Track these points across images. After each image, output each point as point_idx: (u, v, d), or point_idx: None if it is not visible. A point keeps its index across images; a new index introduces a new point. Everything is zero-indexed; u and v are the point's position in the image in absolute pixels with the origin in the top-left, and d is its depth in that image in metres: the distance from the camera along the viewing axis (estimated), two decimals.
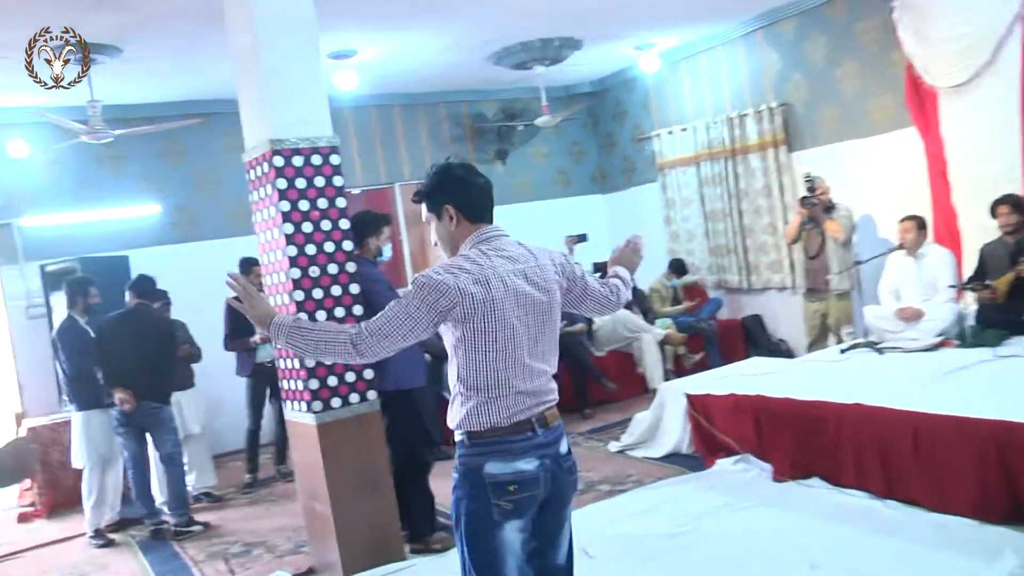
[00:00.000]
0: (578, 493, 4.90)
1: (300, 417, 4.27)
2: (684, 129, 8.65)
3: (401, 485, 4.42)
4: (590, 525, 4.31)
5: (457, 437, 2.37)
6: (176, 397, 5.73)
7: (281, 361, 4.37)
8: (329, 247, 4.23)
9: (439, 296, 2.23)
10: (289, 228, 4.13)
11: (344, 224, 4.28)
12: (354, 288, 4.28)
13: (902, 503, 4.06)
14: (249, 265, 5.99)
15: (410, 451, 4.47)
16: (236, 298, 2.45)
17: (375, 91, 8.35)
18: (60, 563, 5.17)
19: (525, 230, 8.74)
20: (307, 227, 4.18)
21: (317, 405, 4.15)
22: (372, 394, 4.28)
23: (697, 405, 5.32)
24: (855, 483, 4.33)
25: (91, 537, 5.41)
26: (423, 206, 2.47)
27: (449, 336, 2.34)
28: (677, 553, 3.89)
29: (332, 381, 4.18)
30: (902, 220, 6.05)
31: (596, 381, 7.19)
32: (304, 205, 4.18)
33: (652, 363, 7.40)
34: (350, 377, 4.22)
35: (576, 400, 7.15)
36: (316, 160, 4.22)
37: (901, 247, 6.04)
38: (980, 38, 5.91)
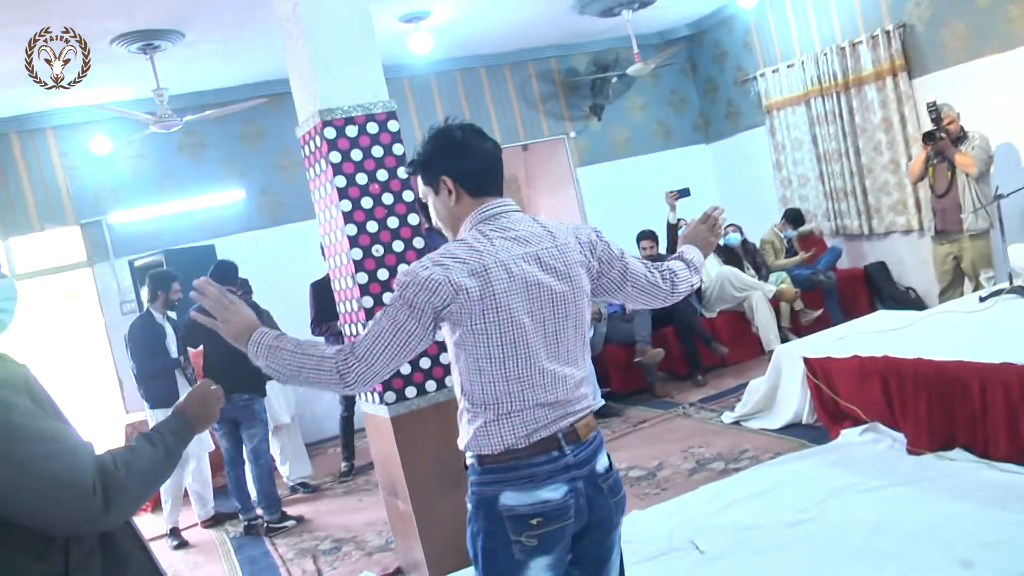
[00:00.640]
0: (689, 472, 4.56)
1: (374, 409, 3.97)
2: (790, 65, 7.88)
3: None
4: (702, 512, 3.89)
5: (467, 461, 1.98)
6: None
7: None
8: (392, 222, 3.88)
9: (429, 295, 1.82)
10: (347, 205, 3.80)
11: (408, 196, 3.92)
12: None
13: None
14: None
15: None
16: (199, 309, 2.05)
17: (457, 54, 7.99)
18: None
19: (624, 188, 8.54)
20: (366, 202, 3.84)
21: (390, 396, 3.83)
22: (450, 380, 3.93)
23: (816, 370, 4.73)
24: (1008, 454, 3.69)
25: (168, 537, 5.35)
26: (418, 179, 2.06)
27: (448, 340, 1.94)
28: (798, 546, 3.38)
29: (405, 368, 3.85)
30: None
31: (707, 345, 6.66)
32: (362, 179, 3.83)
33: (765, 322, 6.79)
34: (424, 363, 3.89)
35: (687, 366, 6.66)
36: (372, 128, 3.86)
37: None
38: None
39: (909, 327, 4.77)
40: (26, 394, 1.55)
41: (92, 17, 5.11)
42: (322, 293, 5.45)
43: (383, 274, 3.83)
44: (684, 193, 6.63)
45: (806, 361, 4.81)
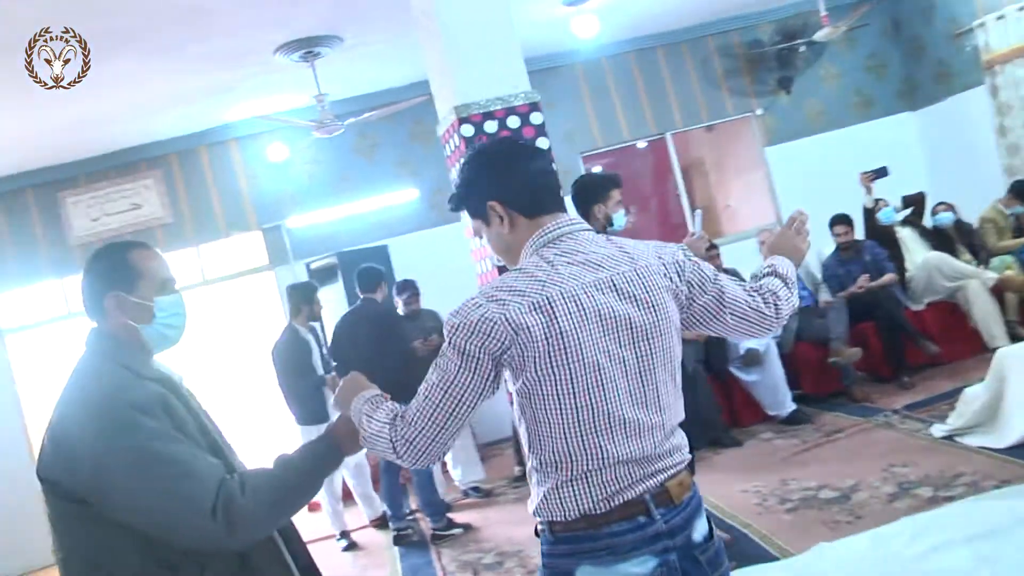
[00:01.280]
0: (889, 498, 3.94)
1: None
2: (1022, 8, 6.78)
3: None
4: (904, 553, 3.28)
5: (538, 528, 1.67)
6: None
7: None
8: None
9: (483, 338, 1.53)
10: None
11: None
12: None
13: None
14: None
15: None
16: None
17: (629, 35, 7.57)
18: (324, 565, 5.08)
19: (818, 167, 7.76)
20: None
21: None
22: None
23: None
24: None
25: (338, 539, 5.36)
26: (464, 215, 1.79)
27: (510, 388, 1.62)
28: None
29: None
30: None
31: (914, 342, 5.86)
32: None
33: (984, 316, 5.87)
34: None
35: (890, 367, 5.89)
36: (513, 122, 3.57)
37: None
38: None
39: None
40: (163, 414, 1.60)
41: (254, 30, 5.17)
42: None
43: None
44: (881, 173, 5.89)
45: None
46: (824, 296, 6.06)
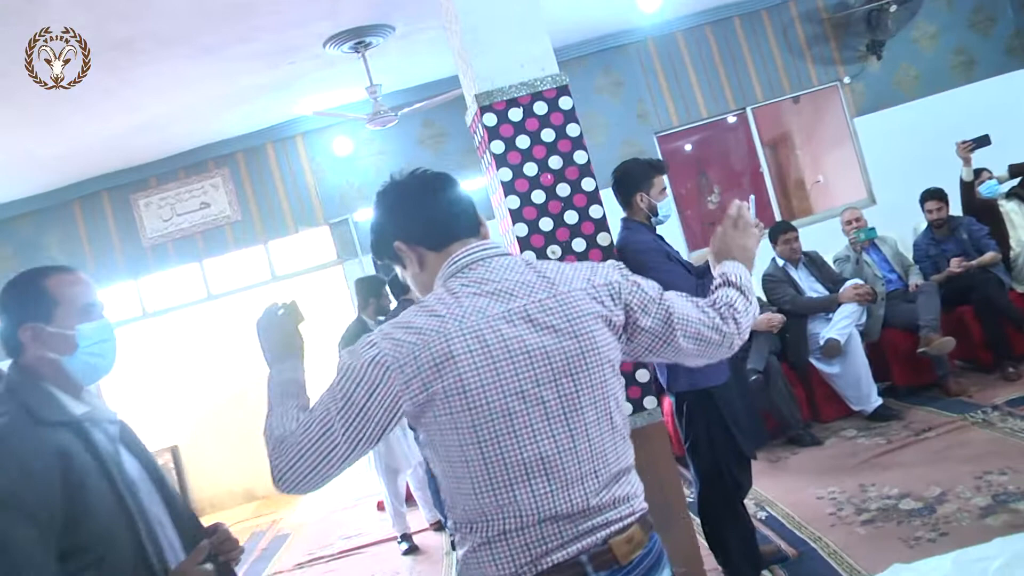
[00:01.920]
0: (982, 513, 3.48)
1: None
2: None
3: (709, 513, 3.40)
4: None
5: None
6: None
7: None
8: (571, 217, 3.30)
9: (373, 387, 1.36)
10: (514, 201, 3.29)
11: (588, 184, 3.32)
12: None
13: None
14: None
15: (715, 470, 3.38)
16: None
17: (704, 6, 7.16)
18: (384, 567, 5.05)
19: (914, 138, 7.15)
20: (538, 196, 3.29)
21: None
22: (650, 401, 3.28)
23: None
24: None
25: (399, 542, 5.25)
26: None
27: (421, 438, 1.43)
28: None
29: None
30: None
31: (1018, 328, 5.30)
32: (531, 169, 3.29)
33: None
34: None
35: (992, 356, 5.34)
36: (539, 108, 3.30)
37: None
38: None
39: None
40: (41, 472, 1.43)
41: (299, 25, 5.07)
42: None
43: None
44: (982, 142, 5.34)
45: None
46: (915, 279, 5.54)
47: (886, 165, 7.15)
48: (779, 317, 5.07)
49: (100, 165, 6.64)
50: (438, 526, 5.41)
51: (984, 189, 5.65)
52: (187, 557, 1.59)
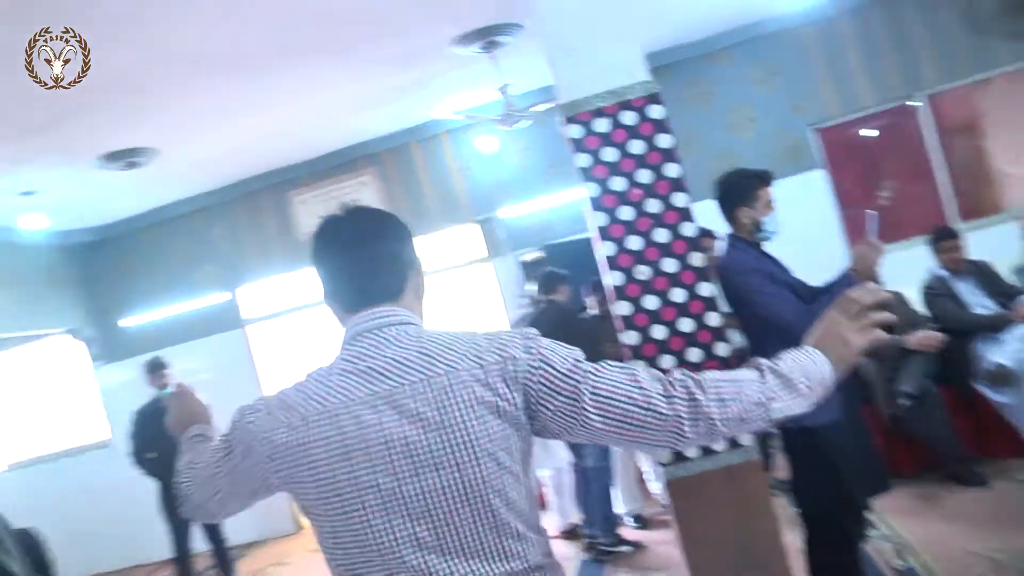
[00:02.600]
0: None
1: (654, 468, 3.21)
2: None
3: (814, 563, 3.06)
4: None
5: None
6: None
7: None
8: (661, 235, 3.05)
9: (247, 450, 1.36)
10: (602, 218, 3.07)
11: (680, 200, 3.05)
12: (704, 289, 3.02)
13: None
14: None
15: (822, 518, 3.03)
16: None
17: None
18: None
19: None
20: (626, 212, 3.06)
21: (665, 455, 3.04)
22: (746, 438, 2.99)
23: None
24: None
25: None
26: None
27: None
28: None
29: None
30: None
31: None
32: (618, 183, 3.06)
33: None
34: None
35: None
36: (627, 119, 3.07)
37: None
38: None
39: None
40: None
41: (425, 25, 5.03)
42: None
43: (651, 302, 3.03)
44: None
45: None
46: None
47: None
48: (938, 336, 4.51)
49: (260, 164, 6.98)
50: (570, 534, 5.31)
51: None
52: None
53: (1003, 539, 3.64)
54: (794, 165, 6.57)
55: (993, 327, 4.52)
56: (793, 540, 3.11)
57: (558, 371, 1.28)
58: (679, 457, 3.01)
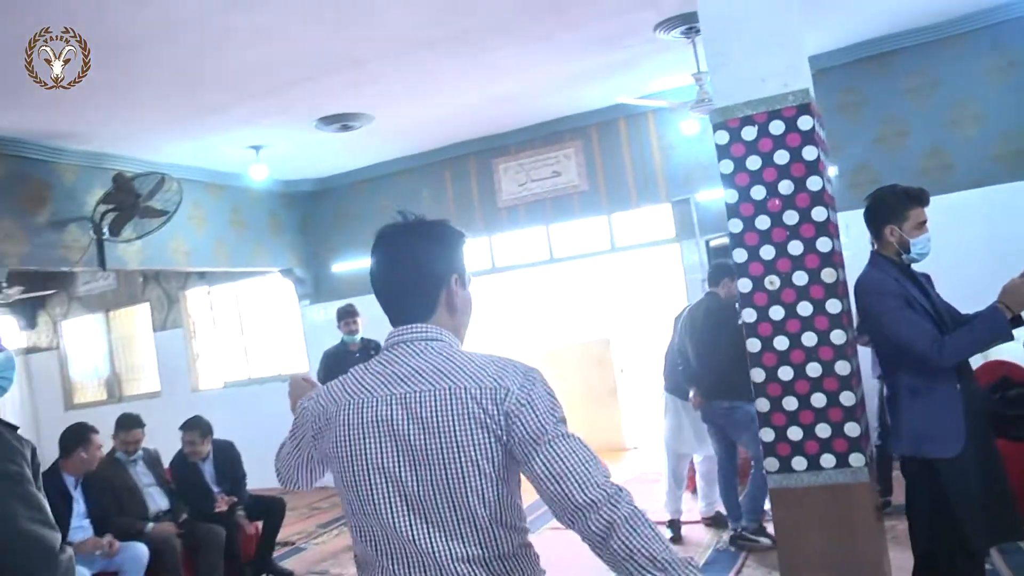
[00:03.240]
0: None
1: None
2: None
3: None
4: None
5: None
6: None
7: None
8: (795, 248, 3.06)
9: (301, 426, 1.72)
10: (736, 225, 3.14)
11: (820, 214, 3.04)
12: (832, 306, 3.01)
13: None
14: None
15: (930, 559, 2.94)
16: None
17: None
18: None
19: None
20: (762, 222, 3.10)
21: (772, 463, 3.09)
22: (857, 459, 2.98)
23: None
24: None
25: (666, 526, 5.25)
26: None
27: None
28: None
29: (794, 433, 3.06)
30: None
31: None
32: (758, 192, 3.10)
33: None
34: (823, 431, 3.02)
35: None
36: (776, 128, 3.08)
37: None
38: None
39: None
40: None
41: (628, 12, 5.15)
42: None
43: (776, 312, 3.07)
44: None
45: None
46: None
47: None
48: None
49: (468, 131, 7.42)
50: (712, 521, 5.40)
51: None
52: None
53: None
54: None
55: None
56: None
57: (536, 415, 1.48)
58: (785, 466, 3.05)
